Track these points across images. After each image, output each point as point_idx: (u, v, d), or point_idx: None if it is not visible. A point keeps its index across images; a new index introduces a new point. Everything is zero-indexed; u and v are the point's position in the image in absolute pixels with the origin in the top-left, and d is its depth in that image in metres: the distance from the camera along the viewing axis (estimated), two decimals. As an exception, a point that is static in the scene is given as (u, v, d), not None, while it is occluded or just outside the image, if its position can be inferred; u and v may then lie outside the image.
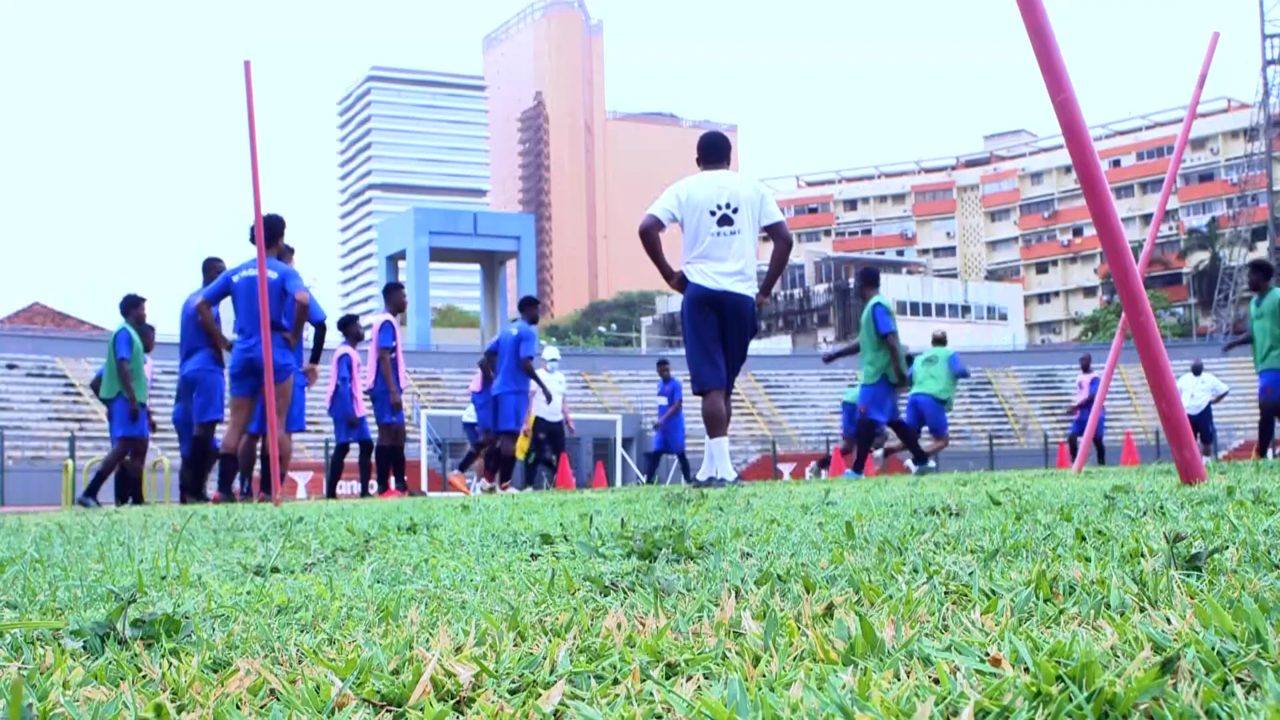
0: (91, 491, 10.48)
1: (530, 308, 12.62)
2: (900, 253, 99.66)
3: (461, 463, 15.02)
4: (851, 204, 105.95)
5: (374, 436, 12.06)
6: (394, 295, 11.67)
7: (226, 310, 9.98)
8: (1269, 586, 1.45)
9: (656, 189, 8.30)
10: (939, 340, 14.16)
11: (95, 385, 12.26)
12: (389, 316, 11.42)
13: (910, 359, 14.79)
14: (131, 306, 11.01)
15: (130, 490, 11.18)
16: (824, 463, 18.70)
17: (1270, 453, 11.56)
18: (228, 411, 9.38)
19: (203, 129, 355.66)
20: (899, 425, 11.62)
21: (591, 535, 2.83)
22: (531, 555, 2.55)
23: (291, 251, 9.71)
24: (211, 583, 2.24)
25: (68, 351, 40.24)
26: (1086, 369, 18.95)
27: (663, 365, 17.51)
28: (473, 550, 2.74)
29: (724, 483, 6.86)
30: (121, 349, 10.71)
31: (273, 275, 8.65)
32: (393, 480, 11.81)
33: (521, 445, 14.49)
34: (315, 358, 10.02)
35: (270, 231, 8.85)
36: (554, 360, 15.45)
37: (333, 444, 13.27)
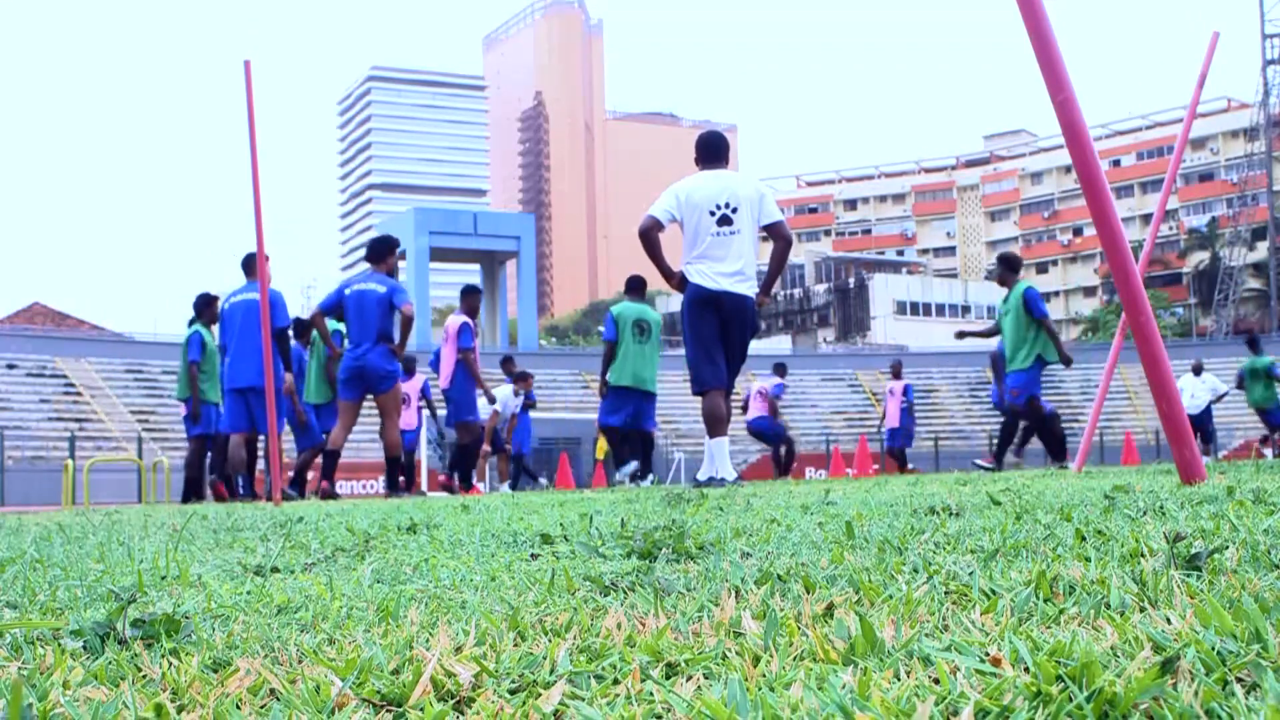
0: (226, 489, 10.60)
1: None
2: (900, 253, 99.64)
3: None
4: (851, 204, 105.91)
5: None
6: (470, 298, 11.82)
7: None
8: (1269, 586, 1.45)
9: (656, 189, 8.33)
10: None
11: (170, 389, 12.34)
12: (466, 319, 11.54)
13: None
14: (205, 306, 11.03)
15: (194, 490, 11.21)
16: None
17: (1008, 458, 11.23)
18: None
19: (203, 129, 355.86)
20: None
21: (591, 535, 2.83)
22: (531, 555, 2.55)
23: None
24: (211, 583, 2.24)
25: (68, 351, 40.25)
26: (898, 375, 18.23)
27: (507, 362, 16.51)
28: (473, 550, 2.74)
29: (724, 482, 6.86)
30: (193, 351, 10.89)
31: (381, 289, 9.53)
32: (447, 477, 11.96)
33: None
34: (286, 366, 10.10)
35: (383, 249, 9.77)
36: None
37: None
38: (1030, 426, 12.09)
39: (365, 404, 10.57)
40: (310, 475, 12.13)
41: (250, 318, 9.72)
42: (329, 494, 9.58)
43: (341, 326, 10.37)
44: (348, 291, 9.68)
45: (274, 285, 10.08)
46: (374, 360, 9.49)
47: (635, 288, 11.38)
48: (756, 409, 16.35)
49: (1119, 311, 10.69)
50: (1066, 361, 10.84)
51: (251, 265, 10.09)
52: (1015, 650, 1.13)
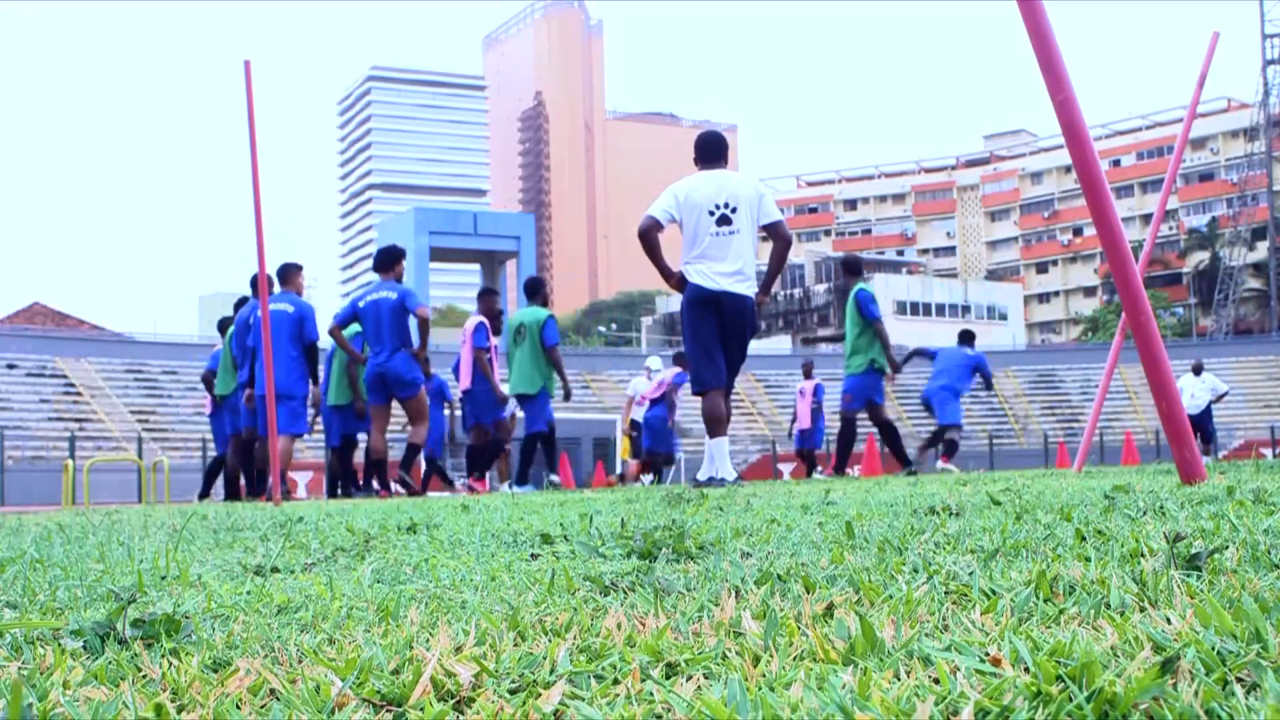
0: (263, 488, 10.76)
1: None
2: (900, 253, 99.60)
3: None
4: (851, 204, 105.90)
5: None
6: (486, 299, 11.97)
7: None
8: (1269, 586, 1.45)
9: (656, 189, 8.33)
10: None
11: (206, 380, 12.42)
12: (482, 319, 11.67)
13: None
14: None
15: (231, 486, 11.34)
16: None
17: (852, 470, 11.05)
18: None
19: (203, 129, 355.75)
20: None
21: (591, 535, 2.83)
22: (531, 555, 2.55)
23: (300, 269, 10.64)
24: (211, 583, 2.24)
25: (68, 351, 40.23)
26: (809, 375, 17.89)
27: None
28: (473, 550, 2.74)
29: (724, 483, 6.86)
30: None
31: (393, 296, 9.87)
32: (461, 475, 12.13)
33: (625, 446, 16.98)
34: (314, 378, 10.35)
35: (389, 258, 10.15)
36: (654, 370, 16.67)
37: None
38: (937, 433, 12.05)
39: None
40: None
41: (279, 326, 9.99)
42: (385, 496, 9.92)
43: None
44: (361, 303, 10.05)
45: (306, 299, 10.56)
46: (395, 367, 9.89)
47: (527, 291, 11.47)
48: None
49: (1119, 311, 10.58)
50: (895, 368, 10.63)
51: (284, 275, 10.44)
52: (1015, 650, 1.13)
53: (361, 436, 12.08)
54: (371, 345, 10.02)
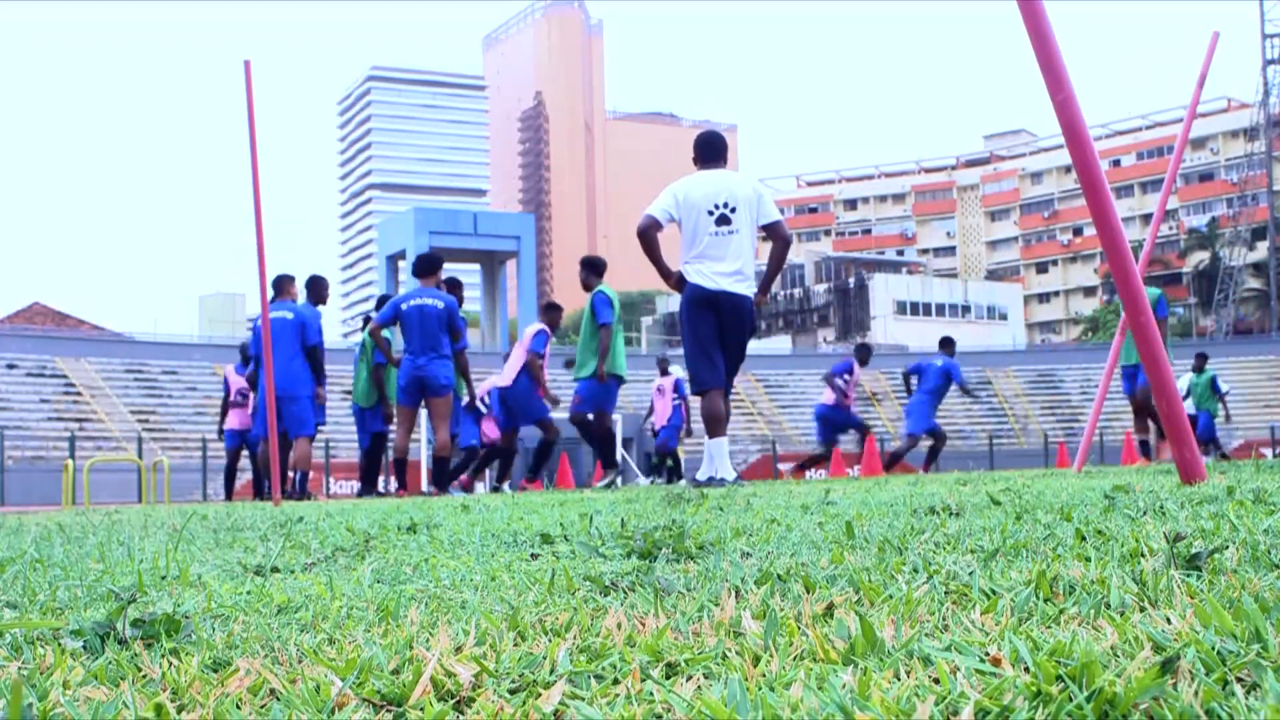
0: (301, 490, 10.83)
1: None
2: (900, 253, 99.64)
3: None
4: (851, 204, 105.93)
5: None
6: (551, 313, 12.08)
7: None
8: (1269, 586, 1.45)
9: (656, 189, 8.34)
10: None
11: (251, 381, 12.54)
12: (544, 327, 11.76)
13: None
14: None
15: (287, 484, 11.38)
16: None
17: (608, 478, 10.90)
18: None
19: (203, 129, 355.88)
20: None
21: (591, 535, 2.83)
22: (531, 555, 2.55)
23: (459, 285, 10.92)
24: (211, 583, 2.25)
25: (68, 351, 40.23)
26: (665, 371, 17.47)
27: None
28: (473, 550, 2.75)
29: (724, 483, 6.86)
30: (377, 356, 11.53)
31: (439, 305, 10.07)
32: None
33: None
34: (319, 380, 10.54)
35: (431, 265, 10.32)
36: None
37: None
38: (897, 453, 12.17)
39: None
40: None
41: (282, 332, 10.32)
42: (400, 494, 10.16)
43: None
44: (404, 306, 10.18)
45: (304, 305, 10.80)
46: (433, 371, 10.07)
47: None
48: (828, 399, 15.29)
49: (1119, 311, 10.58)
50: (600, 377, 10.54)
51: (280, 285, 10.74)
52: (1015, 650, 1.13)
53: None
54: (409, 348, 10.18)
